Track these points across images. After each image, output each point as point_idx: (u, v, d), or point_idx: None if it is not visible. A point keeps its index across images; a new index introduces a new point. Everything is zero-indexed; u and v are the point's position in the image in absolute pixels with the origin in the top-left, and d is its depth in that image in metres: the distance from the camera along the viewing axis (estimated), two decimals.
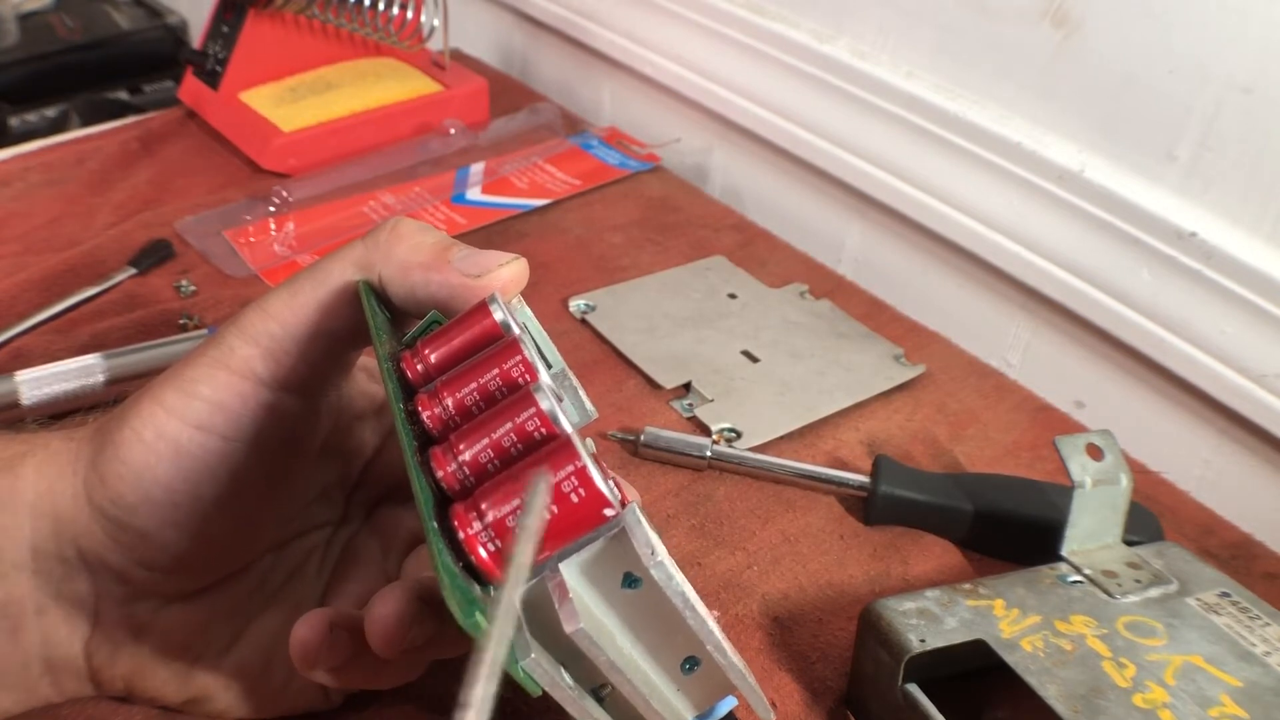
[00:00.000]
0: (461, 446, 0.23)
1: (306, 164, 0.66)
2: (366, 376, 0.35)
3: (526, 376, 0.24)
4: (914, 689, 0.33)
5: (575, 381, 0.28)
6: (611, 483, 0.25)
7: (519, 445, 0.22)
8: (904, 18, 0.60)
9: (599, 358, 0.53)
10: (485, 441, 0.23)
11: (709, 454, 0.46)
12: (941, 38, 0.58)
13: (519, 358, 0.24)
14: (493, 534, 0.21)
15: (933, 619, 0.34)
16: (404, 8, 0.70)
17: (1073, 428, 0.52)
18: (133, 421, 0.28)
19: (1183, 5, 0.47)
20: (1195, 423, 0.52)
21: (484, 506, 0.21)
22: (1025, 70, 0.55)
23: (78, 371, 0.45)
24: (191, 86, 0.71)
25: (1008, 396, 0.54)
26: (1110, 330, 0.53)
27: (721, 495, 0.46)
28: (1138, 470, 0.48)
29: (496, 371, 0.24)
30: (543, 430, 0.22)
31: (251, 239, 0.59)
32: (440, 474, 0.23)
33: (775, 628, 0.40)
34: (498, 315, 0.25)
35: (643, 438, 0.46)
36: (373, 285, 0.29)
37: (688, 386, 0.51)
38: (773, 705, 0.37)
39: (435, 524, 0.21)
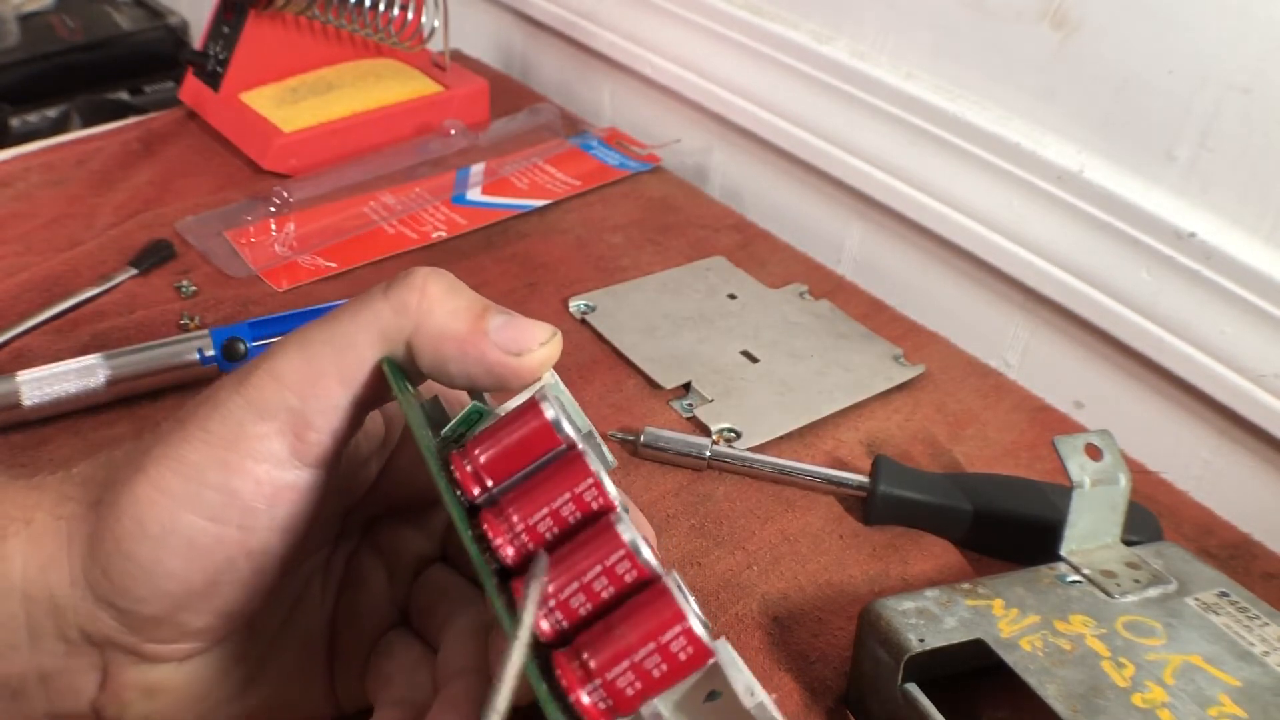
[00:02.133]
0: (552, 590, 0.23)
1: (307, 164, 0.66)
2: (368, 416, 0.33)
3: (600, 501, 0.24)
4: (913, 688, 0.33)
5: (599, 437, 0.28)
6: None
7: (610, 589, 0.22)
8: (903, 18, 0.60)
9: (599, 358, 0.53)
10: (575, 586, 0.23)
11: (709, 454, 0.46)
12: (941, 38, 0.58)
13: (590, 480, 0.24)
14: (604, 694, 0.22)
15: (932, 619, 0.34)
16: (404, 8, 0.70)
17: (1072, 428, 0.52)
18: (132, 510, 0.25)
19: (1182, 5, 0.48)
20: (1194, 423, 0.52)
21: (592, 666, 0.22)
22: (1024, 71, 0.55)
23: (78, 372, 0.45)
24: (192, 87, 0.71)
25: (1007, 396, 0.54)
26: (1109, 330, 0.53)
27: (721, 495, 0.46)
28: (1137, 470, 0.48)
29: (569, 496, 0.24)
30: (634, 574, 0.22)
31: (252, 239, 0.59)
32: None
33: (775, 627, 0.40)
34: (550, 414, 0.25)
35: (642, 438, 0.47)
36: (395, 357, 0.26)
37: (687, 386, 0.51)
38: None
39: (546, 688, 0.21)
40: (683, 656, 0.21)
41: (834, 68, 0.62)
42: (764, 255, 0.63)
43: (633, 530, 0.23)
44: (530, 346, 0.26)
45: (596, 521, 0.23)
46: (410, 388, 0.27)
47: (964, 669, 0.35)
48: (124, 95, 1.13)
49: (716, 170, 0.75)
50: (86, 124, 0.90)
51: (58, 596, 0.26)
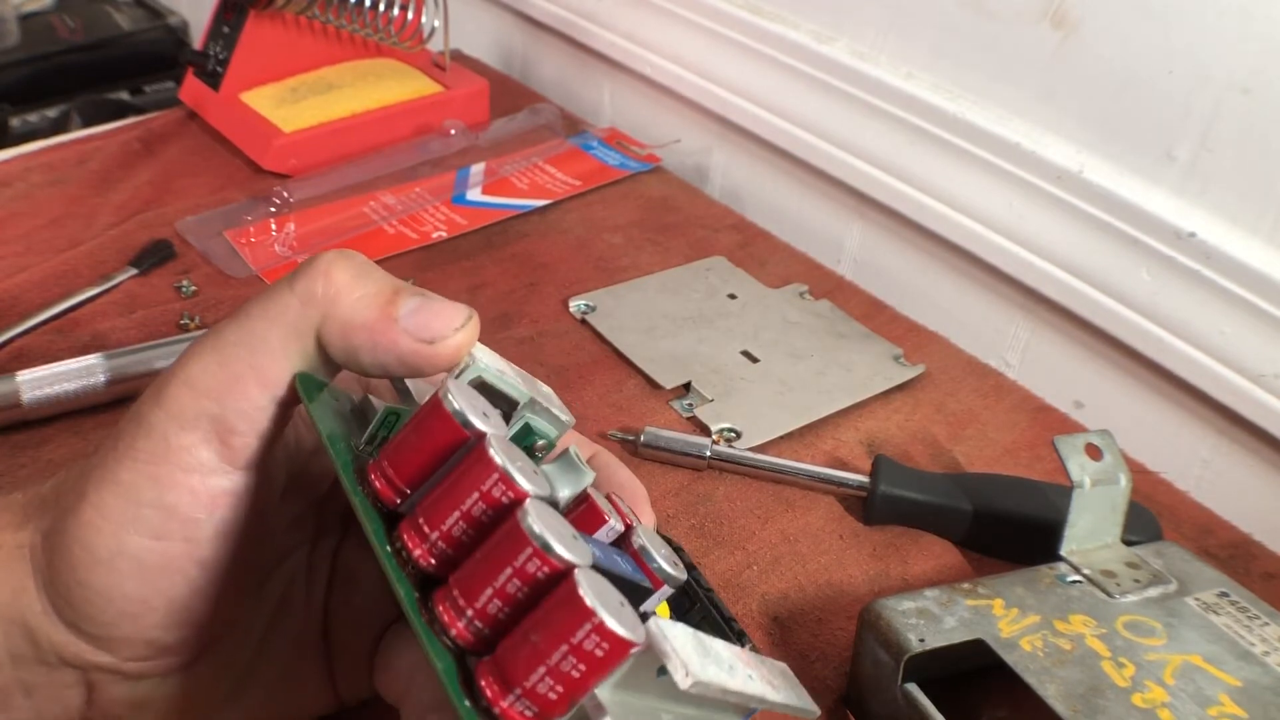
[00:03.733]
0: (464, 598, 0.22)
1: (307, 164, 0.66)
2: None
3: (509, 494, 0.23)
4: (913, 688, 0.33)
5: (546, 393, 0.26)
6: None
7: (525, 589, 0.22)
8: (903, 18, 0.60)
9: (599, 358, 0.53)
10: (489, 591, 0.22)
11: (709, 454, 0.46)
12: (941, 38, 0.58)
13: (495, 475, 0.22)
14: (529, 702, 0.21)
15: (932, 619, 0.34)
16: (404, 8, 0.70)
17: (1072, 428, 0.52)
18: (80, 536, 0.25)
19: (1182, 6, 0.48)
20: (1194, 423, 0.52)
21: (510, 675, 0.21)
22: (1024, 71, 0.55)
23: (79, 371, 0.45)
24: (192, 87, 0.71)
25: (1007, 396, 0.54)
26: (1109, 330, 0.53)
27: (721, 495, 0.46)
28: (1137, 470, 0.48)
29: (477, 495, 0.22)
30: (545, 570, 0.21)
31: (252, 239, 0.59)
32: (453, 631, 0.22)
33: (775, 627, 0.40)
34: (453, 406, 0.23)
35: (642, 438, 0.47)
36: (308, 351, 0.25)
37: (687, 386, 0.51)
38: None
39: (468, 704, 0.21)
40: (599, 653, 0.20)
41: (834, 68, 0.62)
42: (764, 255, 0.63)
43: (542, 523, 0.21)
44: (444, 333, 0.25)
45: (507, 518, 0.22)
46: (330, 399, 0.26)
47: (964, 669, 0.35)
48: (124, 95, 1.13)
49: (716, 170, 0.75)
50: (86, 124, 0.90)
51: (29, 621, 0.26)
